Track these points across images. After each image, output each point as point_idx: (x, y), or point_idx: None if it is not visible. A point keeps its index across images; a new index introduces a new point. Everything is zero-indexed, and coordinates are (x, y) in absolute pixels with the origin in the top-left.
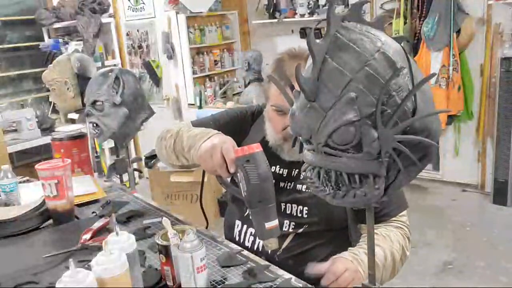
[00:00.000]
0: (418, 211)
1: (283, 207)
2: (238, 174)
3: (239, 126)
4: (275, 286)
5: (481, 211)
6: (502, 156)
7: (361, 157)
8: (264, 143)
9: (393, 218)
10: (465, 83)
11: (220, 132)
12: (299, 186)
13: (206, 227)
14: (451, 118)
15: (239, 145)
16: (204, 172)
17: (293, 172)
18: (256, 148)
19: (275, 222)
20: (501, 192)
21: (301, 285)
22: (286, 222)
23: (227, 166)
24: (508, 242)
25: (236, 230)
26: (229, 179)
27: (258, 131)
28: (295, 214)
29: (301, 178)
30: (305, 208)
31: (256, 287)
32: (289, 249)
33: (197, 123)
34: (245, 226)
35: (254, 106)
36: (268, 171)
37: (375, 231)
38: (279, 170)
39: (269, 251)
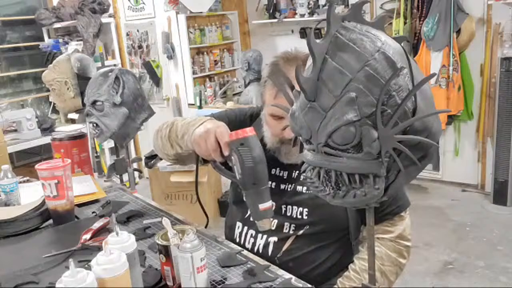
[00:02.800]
0: (418, 211)
1: (283, 209)
2: (232, 158)
3: (238, 128)
4: (275, 286)
5: (481, 211)
6: (502, 156)
7: (361, 157)
8: (262, 146)
9: (390, 228)
10: (465, 83)
11: (213, 118)
12: (299, 188)
13: (206, 225)
14: (451, 118)
15: None
16: (197, 168)
17: (293, 173)
18: (250, 131)
19: (269, 203)
20: (501, 192)
21: (301, 285)
22: (287, 224)
23: (221, 150)
24: (508, 242)
25: (237, 232)
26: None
27: (256, 132)
28: (295, 216)
29: (301, 179)
30: (305, 209)
31: (256, 287)
32: (290, 251)
33: None
34: (245, 228)
35: (254, 108)
36: (262, 154)
37: (361, 254)
38: (279, 172)
39: (270, 253)
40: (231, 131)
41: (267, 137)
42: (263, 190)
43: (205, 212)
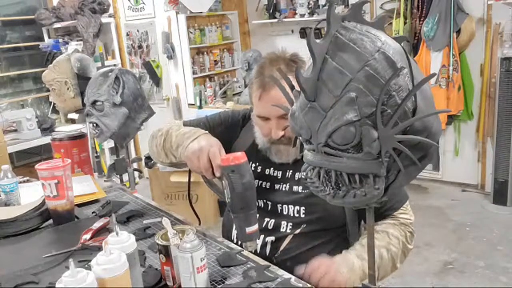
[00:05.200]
0: (418, 211)
1: (279, 208)
2: (223, 181)
3: (229, 129)
4: (275, 286)
5: (481, 211)
6: (502, 156)
7: (361, 157)
8: (254, 145)
9: (396, 213)
10: (465, 83)
11: (207, 132)
12: (295, 188)
13: (199, 225)
14: (451, 118)
15: (230, 147)
16: (190, 172)
17: (287, 173)
18: (241, 158)
19: (255, 227)
20: (501, 192)
21: (301, 285)
22: (284, 223)
23: (213, 170)
24: (508, 242)
25: (234, 233)
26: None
27: (249, 133)
28: (292, 214)
29: (296, 178)
30: (302, 208)
31: (256, 287)
32: (287, 251)
33: (188, 124)
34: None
35: (247, 109)
36: (252, 181)
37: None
38: (273, 172)
39: (267, 253)
40: (223, 132)
41: (258, 137)
42: (250, 214)
43: (196, 214)
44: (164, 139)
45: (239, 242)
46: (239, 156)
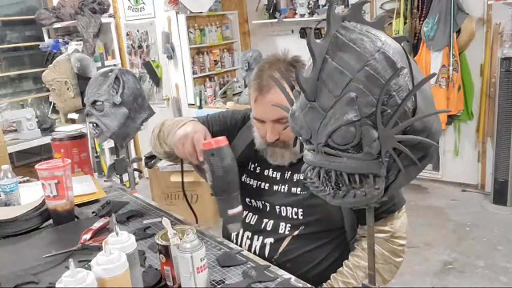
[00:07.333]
0: (418, 211)
1: (277, 209)
2: (205, 166)
3: (226, 130)
4: (275, 286)
5: (481, 211)
6: (502, 156)
7: (361, 157)
8: (253, 145)
9: (384, 228)
10: (465, 83)
11: (195, 119)
12: (294, 189)
13: (196, 223)
14: (451, 118)
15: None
16: (182, 165)
17: (286, 174)
18: (222, 142)
19: (238, 209)
20: (501, 192)
21: (300, 285)
22: (282, 224)
23: (197, 154)
24: (508, 242)
25: (233, 233)
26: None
27: (247, 134)
28: (290, 216)
29: (294, 180)
30: (300, 210)
31: (256, 287)
32: (287, 252)
33: None
34: (241, 230)
35: (248, 110)
36: (232, 163)
37: (355, 252)
38: (272, 173)
39: (266, 255)
40: (219, 132)
41: (256, 137)
42: (232, 196)
43: (193, 211)
44: (160, 130)
45: (235, 239)
46: (220, 140)
